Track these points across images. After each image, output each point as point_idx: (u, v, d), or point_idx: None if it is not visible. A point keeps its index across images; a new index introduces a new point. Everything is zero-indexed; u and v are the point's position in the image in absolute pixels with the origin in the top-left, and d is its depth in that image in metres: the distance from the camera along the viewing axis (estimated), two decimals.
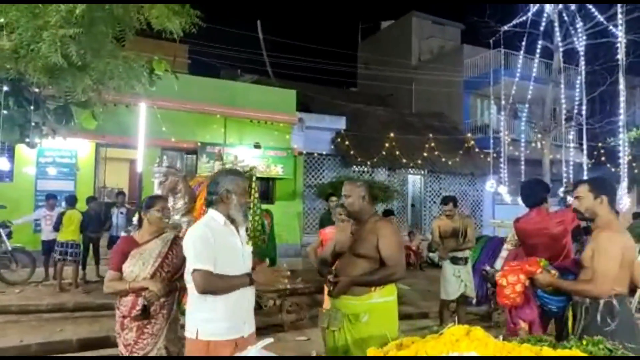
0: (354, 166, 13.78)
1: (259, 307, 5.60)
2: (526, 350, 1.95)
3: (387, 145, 13.92)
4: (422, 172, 15.17)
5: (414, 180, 15.51)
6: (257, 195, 5.91)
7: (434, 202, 15.03)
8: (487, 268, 6.70)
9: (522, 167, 12.88)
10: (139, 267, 2.89)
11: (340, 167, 13.87)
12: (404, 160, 14.13)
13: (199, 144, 11.23)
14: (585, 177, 3.22)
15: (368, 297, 2.71)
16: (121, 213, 9.19)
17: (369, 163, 13.67)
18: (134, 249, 2.93)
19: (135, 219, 3.91)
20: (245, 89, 12.73)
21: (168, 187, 5.19)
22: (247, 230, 5.58)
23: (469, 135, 16.29)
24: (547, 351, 1.97)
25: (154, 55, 5.05)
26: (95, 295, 7.23)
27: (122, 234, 6.97)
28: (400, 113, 18.28)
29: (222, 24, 15.13)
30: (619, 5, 11.72)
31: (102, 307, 6.10)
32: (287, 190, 12.66)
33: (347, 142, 13.48)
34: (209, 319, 2.38)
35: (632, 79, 17.53)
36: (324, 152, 13.62)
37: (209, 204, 2.52)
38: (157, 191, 5.04)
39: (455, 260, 5.51)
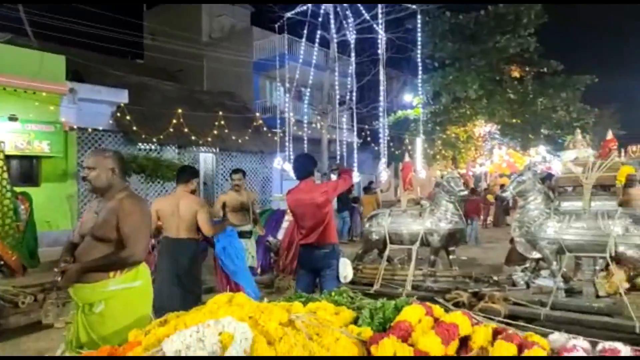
0: (139, 143, 12.83)
1: (14, 306, 4.78)
2: (279, 308, 2.10)
3: (175, 121, 13.36)
4: (214, 150, 15.10)
5: (205, 158, 15.35)
6: (6, 176, 4.98)
7: (226, 179, 15.16)
8: (270, 239, 7.17)
9: (305, 145, 14.04)
10: None
11: (123, 144, 12.73)
12: (194, 138, 13.81)
13: None
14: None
15: (104, 284, 2.42)
16: None
17: (155, 140, 12.91)
18: None
19: None
20: None
21: None
22: None
23: (258, 114, 16.87)
24: (297, 306, 2.18)
25: None
26: None
27: None
28: (189, 90, 17.75)
29: None
30: (379, 6, 13.64)
31: None
32: (56, 171, 11.06)
33: (129, 117, 12.43)
34: None
35: (390, 71, 20.77)
36: (102, 128, 12.30)
37: None
38: None
39: (242, 234, 5.67)
